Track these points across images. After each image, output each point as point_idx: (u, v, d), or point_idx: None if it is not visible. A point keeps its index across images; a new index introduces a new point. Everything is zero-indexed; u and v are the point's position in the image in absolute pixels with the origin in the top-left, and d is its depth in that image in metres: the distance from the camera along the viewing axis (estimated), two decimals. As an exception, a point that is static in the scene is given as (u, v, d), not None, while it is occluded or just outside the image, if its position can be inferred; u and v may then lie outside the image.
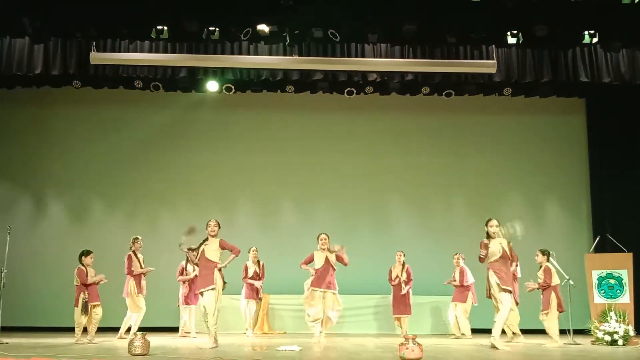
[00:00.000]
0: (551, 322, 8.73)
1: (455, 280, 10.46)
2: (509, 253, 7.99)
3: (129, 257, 9.51)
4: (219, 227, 8.19)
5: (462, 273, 10.44)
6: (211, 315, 7.91)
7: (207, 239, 8.13)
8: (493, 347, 7.79)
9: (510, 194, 12.62)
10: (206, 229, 8.12)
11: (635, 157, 11.91)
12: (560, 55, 10.19)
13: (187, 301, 10.10)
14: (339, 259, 9.27)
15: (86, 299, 8.73)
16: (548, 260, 9.00)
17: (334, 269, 9.27)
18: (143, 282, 9.57)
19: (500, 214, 12.22)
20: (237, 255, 8.13)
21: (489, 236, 8.01)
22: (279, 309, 11.46)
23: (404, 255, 10.61)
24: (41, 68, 9.91)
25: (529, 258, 9.25)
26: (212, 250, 8.05)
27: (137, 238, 9.72)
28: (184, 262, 10.11)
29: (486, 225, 8.04)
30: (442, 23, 9.89)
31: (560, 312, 8.79)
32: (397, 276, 10.51)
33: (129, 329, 9.37)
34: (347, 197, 12.46)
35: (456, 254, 10.54)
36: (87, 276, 8.79)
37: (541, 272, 8.92)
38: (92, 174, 12.31)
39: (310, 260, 9.35)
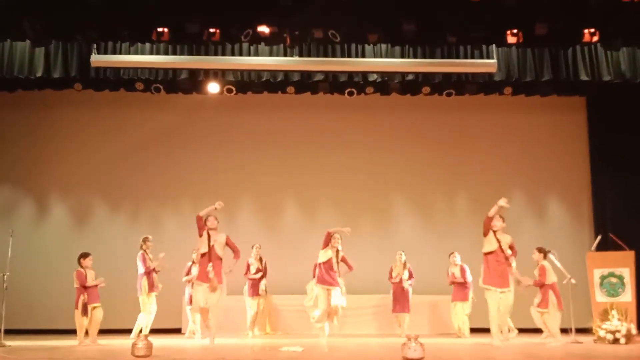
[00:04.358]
0: (552, 320, 8.74)
1: (456, 278, 10.47)
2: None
3: (142, 256, 9.58)
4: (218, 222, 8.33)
5: (462, 271, 10.47)
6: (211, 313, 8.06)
7: (209, 236, 8.19)
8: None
9: (512, 193, 12.51)
10: (205, 223, 8.24)
11: (636, 154, 11.85)
12: (561, 54, 10.19)
13: (195, 302, 10.10)
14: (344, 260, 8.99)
15: (85, 301, 8.75)
16: (545, 258, 9.00)
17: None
18: (155, 278, 9.62)
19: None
20: (238, 259, 8.21)
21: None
22: (281, 309, 11.46)
23: (404, 255, 10.63)
24: (42, 71, 9.94)
25: (528, 255, 9.23)
26: (220, 246, 8.21)
27: (147, 237, 9.80)
28: (189, 264, 10.11)
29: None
30: (442, 23, 9.89)
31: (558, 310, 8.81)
32: (398, 274, 10.53)
33: (142, 330, 9.40)
34: (348, 196, 12.46)
35: (452, 253, 10.57)
36: (86, 278, 8.82)
37: (537, 271, 8.94)
38: (94, 176, 12.31)
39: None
